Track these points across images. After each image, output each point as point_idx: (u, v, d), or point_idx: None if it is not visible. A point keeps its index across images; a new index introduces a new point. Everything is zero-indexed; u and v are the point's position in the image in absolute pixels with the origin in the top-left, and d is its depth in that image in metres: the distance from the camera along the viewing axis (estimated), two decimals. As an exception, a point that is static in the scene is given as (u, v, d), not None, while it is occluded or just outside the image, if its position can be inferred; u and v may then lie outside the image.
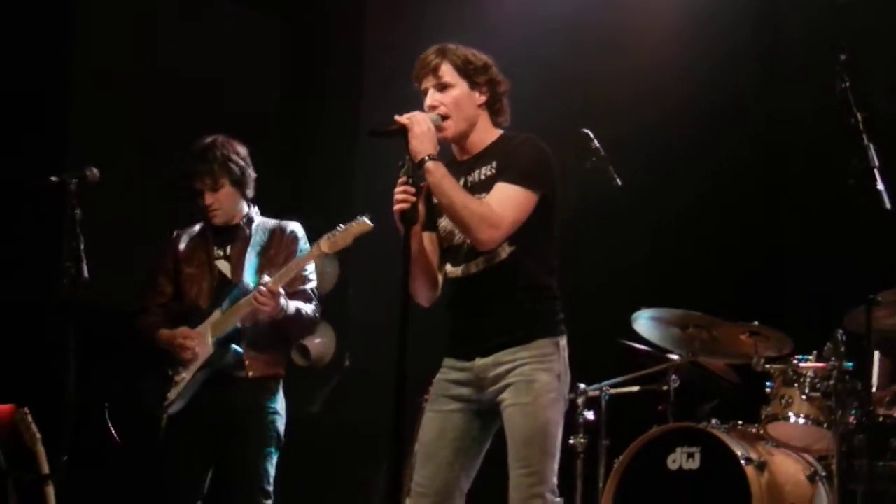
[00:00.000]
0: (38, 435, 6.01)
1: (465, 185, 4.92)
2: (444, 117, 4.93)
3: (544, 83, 7.86)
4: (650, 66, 8.29)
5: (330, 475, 8.12)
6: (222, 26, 8.50)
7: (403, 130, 4.76)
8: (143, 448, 6.22)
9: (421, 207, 4.81)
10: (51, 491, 5.91)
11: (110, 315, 6.97)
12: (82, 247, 5.62)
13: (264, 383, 6.27)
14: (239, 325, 6.20)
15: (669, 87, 8.27)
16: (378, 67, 8.68)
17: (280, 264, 6.26)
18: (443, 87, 4.96)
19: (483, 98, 5.01)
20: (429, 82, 4.98)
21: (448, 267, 5.02)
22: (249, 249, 6.35)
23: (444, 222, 5.00)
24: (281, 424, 6.31)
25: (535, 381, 4.80)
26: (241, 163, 6.40)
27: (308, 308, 6.29)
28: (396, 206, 4.70)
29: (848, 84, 5.58)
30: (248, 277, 6.27)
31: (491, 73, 5.03)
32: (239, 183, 6.38)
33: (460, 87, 4.97)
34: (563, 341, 4.94)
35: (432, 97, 4.96)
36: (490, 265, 4.89)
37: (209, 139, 6.37)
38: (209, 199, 6.33)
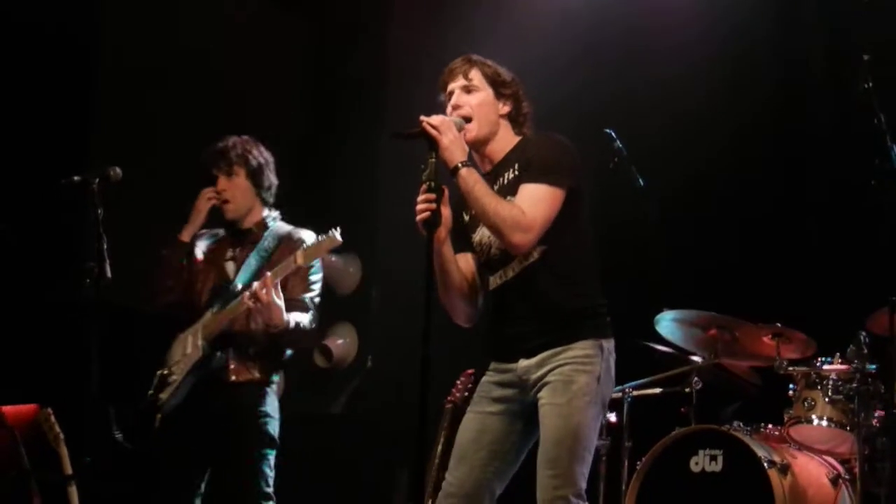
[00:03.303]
0: (61, 435, 6.02)
1: None
2: (467, 119, 4.96)
3: (567, 83, 7.86)
4: (672, 66, 8.27)
5: (351, 476, 8.12)
6: (248, 26, 8.50)
7: (426, 134, 4.76)
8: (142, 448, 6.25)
9: (445, 211, 4.79)
10: (74, 491, 5.92)
11: (133, 315, 6.97)
12: (105, 247, 5.63)
13: (250, 388, 6.24)
14: (226, 327, 6.21)
15: (691, 90, 8.24)
16: (403, 66, 8.69)
17: None
18: (469, 89, 5.01)
19: (506, 109, 5.05)
20: (456, 84, 5.03)
21: (489, 279, 5.03)
22: (253, 252, 6.35)
23: (478, 236, 5.02)
24: (273, 427, 6.27)
25: (573, 383, 4.79)
26: (260, 159, 6.44)
27: (304, 319, 6.23)
28: (418, 217, 4.71)
29: (871, 85, 5.57)
30: (241, 280, 6.28)
31: (516, 88, 5.09)
32: (255, 177, 6.41)
33: (486, 93, 5.02)
34: (609, 344, 4.93)
35: (458, 98, 5.00)
36: (524, 267, 4.90)
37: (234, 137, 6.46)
38: (222, 184, 6.37)
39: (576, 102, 7.90)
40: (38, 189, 6.76)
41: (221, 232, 6.53)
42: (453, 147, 4.76)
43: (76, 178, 5.77)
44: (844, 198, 7.75)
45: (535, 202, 4.80)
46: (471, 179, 4.77)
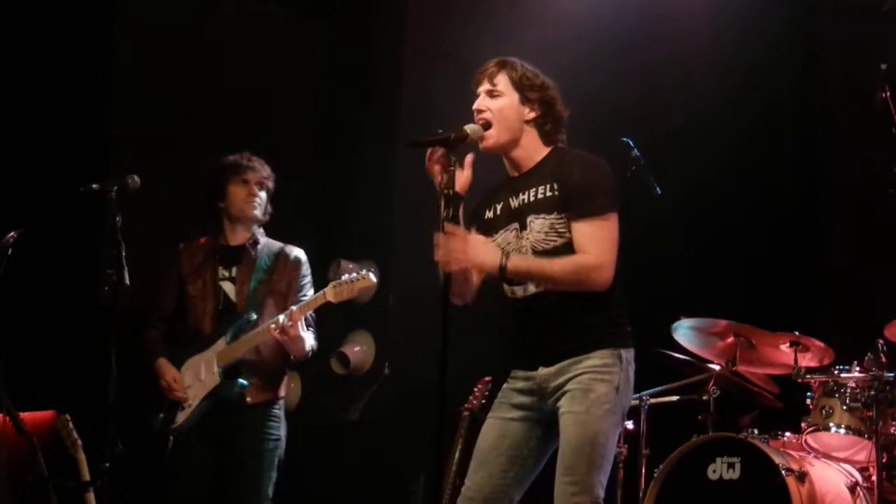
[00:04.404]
0: (79, 441, 6.05)
1: (518, 203, 4.94)
2: (487, 126, 4.95)
3: (583, 88, 7.85)
4: (686, 71, 8.27)
5: (368, 483, 8.12)
6: (264, 31, 8.50)
7: (443, 141, 4.77)
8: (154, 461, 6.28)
9: (464, 174, 4.83)
10: (91, 497, 5.94)
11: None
12: (124, 254, 5.65)
13: (263, 409, 6.36)
14: (245, 356, 6.30)
15: (707, 99, 8.24)
16: (418, 67, 8.69)
17: (283, 291, 6.43)
18: (493, 94, 4.99)
19: (532, 115, 5.01)
20: (482, 88, 5.02)
21: (509, 287, 5.00)
22: (254, 273, 6.44)
23: (499, 238, 5.00)
24: (280, 449, 6.39)
25: (592, 391, 4.78)
26: (273, 186, 6.59)
27: (313, 340, 6.40)
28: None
29: (889, 93, 5.56)
30: (251, 304, 6.37)
31: (546, 93, 5.04)
32: (269, 196, 6.55)
33: (510, 99, 4.99)
34: (628, 354, 4.93)
35: (481, 101, 5.00)
36: None
37: None
38: (255, 189, 6.45)
39: (591, 107, 7.89)
40: (57, 196, 6.78)
41: (203, 243, 6.58)
42: (486, 259, 4.78)
43: (95, 186, 5.79)
44: (862, 205, 7.73)
45: (597, 241, 4.81)
46: (522, 267, 4.81)
